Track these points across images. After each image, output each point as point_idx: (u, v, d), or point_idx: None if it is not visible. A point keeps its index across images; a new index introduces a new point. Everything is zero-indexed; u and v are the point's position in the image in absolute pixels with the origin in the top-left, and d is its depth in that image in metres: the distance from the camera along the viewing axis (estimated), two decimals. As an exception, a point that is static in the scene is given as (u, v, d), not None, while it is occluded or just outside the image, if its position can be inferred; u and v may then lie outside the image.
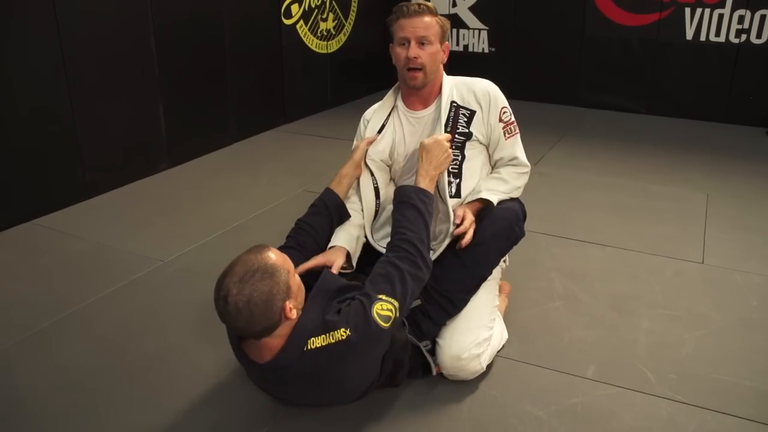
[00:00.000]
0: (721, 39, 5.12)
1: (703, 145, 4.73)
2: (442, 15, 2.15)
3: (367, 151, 2.22)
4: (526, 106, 5.83)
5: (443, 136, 2.05)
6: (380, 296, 1.65)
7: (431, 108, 2.20)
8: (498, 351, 2.19)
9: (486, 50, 6.07)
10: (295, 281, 1.63)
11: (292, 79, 5.23)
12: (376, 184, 2.23)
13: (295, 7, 5.09)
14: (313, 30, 5.37)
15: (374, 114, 2.28)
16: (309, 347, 1.59)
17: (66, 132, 3.47)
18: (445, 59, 2.19)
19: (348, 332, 1.59)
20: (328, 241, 2.11)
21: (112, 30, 3.63)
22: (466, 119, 2.15)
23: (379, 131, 2.23)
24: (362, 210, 2.22)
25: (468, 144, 2.15)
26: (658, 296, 2.60)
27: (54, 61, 3.33)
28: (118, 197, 3.70)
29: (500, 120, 2.17)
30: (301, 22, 5.20)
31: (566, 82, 5.81)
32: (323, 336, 1.59)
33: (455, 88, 2.19)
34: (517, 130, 2.23)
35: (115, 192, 3.76)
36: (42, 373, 2.13)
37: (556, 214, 3.40)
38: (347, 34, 5.84)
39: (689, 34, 5.22)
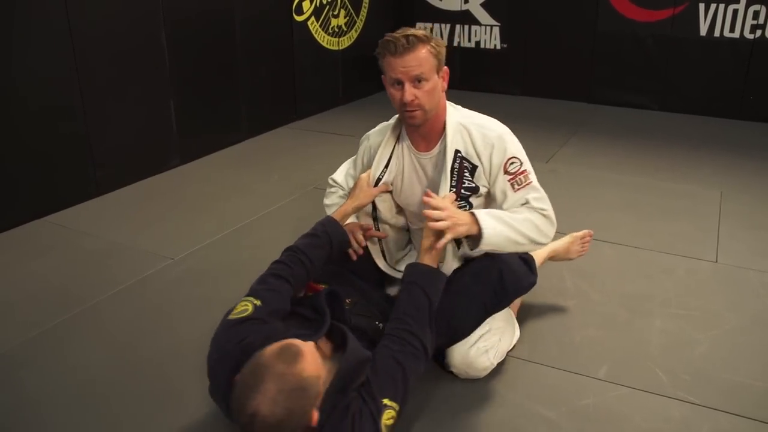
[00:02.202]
0: (736, 35, 5.06)
1: (716, 142, 4.67)
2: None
3: (374, 195, 2.15)
4: (538, 102, 5.81)
5: (449, 198, 1.93)
6: (386, 402, 1.56)
7: (435, 150, 2.05)
8: (509, 350, 2.18)
9: (498, 46, 6.03)
10: (321, 381, 1.50)
11: (304, 76, 5.22)
12: (377, 214, 2.21)
13: (306, 4, 5.08)
14: (325, 26, 5.36)
15: (381, 149, 2.12)
16: None
17: (77, 129, 3.48)
18: (446, 86, 1.99)
19: None
20: (319, 270, 2.00)
21: (123, 27, 3.63)
22: (469, 172, 1.99)
23: (385, 165, 2.12)
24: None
25: (474, 196, 2.02)
26: (671, 295, 2.57)
27: (65, 58, 3.34)
28: (129, 194, 3.71)
29: (506, 172, 1.96)
30: (313, 18, 5.19)
31: (579, 78, 5.76)
32: None
33: (460, 132, 2.00)
34: (530, 180, 1.97)
35: (126, 189, 3.77)
36: (52, 370, 2.14)
37: (567, 212, 3.36)
38: (359, 31, 5.82)
39: (703, 30, 5.16)
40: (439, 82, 1.93)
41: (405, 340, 1.66)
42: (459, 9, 6.04)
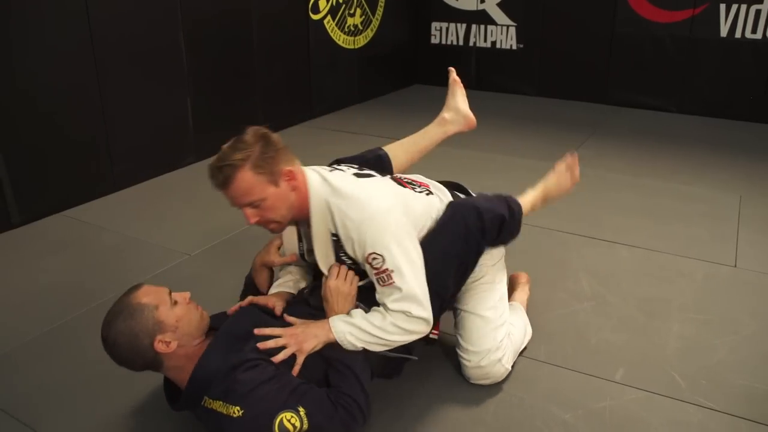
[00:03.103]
0: (758, 36, 5.00)
1: (736, 145, 4.62)
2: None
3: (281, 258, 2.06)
4: (554, 103, 5.78)
5: (333, 274, 1.82)
6: (300, 409, 1.56)
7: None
8: (522, 350, 2.17)
9: (514, 47, 6.01)
10: (173, 314, 1.63)
11: (319, 75, 5.23)
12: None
13: (322, 3, 5.08)
14: (341, 25, 5.36)
15: (287, 229, 1.98)
16: (205, 404, 1.59)
17: (95, 125, 3.51)
18: (297, 183, 1.81)
19: (241, 414, 1.53)
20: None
21: (141, 26, 3.65)
22: (345, 255, 1.82)
23: (299, 239, 2.00)
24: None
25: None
26: (689, 300, 2.55)
27: (85, 55, 3.37)
28: (146, 190, 3.73)
29: (369, 265, 1.75)
30: (329, 17, 5.20)
31: (596, 79, 5.73)
32: (221, 402, 1.56)
33: (330, 213, 1.78)
34: (392, 280, 1.72)
35: (143, 185, 3.79)
36: (68, 364, 2.15)
37: (584, 214, 3.35)
38: (374, 30, 5.82)
39: (723, 31, 5.10)
40: (282, 187, 1.77)
41: (340, 396, 1.67)
42: (475, 9, 6.02)
